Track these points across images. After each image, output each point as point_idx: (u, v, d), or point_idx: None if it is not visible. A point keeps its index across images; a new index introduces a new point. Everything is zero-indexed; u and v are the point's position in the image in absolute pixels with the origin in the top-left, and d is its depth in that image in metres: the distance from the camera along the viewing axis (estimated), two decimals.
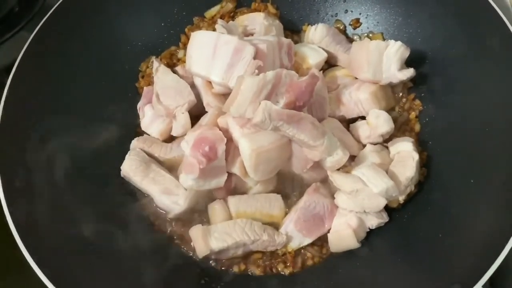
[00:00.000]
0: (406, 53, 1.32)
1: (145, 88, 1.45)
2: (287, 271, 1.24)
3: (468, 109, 1.27)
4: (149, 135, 1.39)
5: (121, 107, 1.43)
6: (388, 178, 1.18)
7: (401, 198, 1.23)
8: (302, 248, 1.26)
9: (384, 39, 1.49)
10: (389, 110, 1.38)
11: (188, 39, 1.35)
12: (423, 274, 1.10)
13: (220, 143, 1.18)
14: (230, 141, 1.22)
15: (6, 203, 1.11)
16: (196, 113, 1.34)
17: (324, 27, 1.46)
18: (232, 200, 1.26)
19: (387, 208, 1.23)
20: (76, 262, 1.11)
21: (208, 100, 1.33)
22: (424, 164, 1.30)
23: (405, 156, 1.25)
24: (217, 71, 1.26)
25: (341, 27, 1.56)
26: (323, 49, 1.44)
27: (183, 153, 1.27)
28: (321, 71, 1.39)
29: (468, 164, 1.21)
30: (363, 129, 1.32)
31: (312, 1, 1.58)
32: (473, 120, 1.25)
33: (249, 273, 1.25)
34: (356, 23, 1.55)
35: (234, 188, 1.29)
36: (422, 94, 1.41)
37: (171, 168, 1.34)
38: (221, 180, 1.22)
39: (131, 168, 1.28)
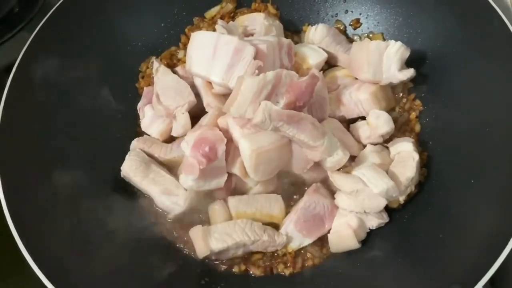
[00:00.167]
0: (406, 53, 1.32)
1: (145, 88, 1.45)
2: (287, 272, 1.24)
3: (468, 109, 1.27)
4: (149, 135, 1.39)
5: (121, 107, 1.43)
6: (389, 179, 1.17)
7: (402, 199, 1.23)
8: (302, 248, 1.26)
9: (384, 40, 1.49)
10: (390, 111, 1.38)
11: (188, 39, 1.35)
12: (423, 274, 1.10)
13: (220, 144, 1.18)
14: (230, 141, 1.22)
15: (6, 203, 1.11)
16: (196, 114, 1.34)
17: (324, 28, 1.46)
18: (232, 201, 1.26)
19: (387, 209, 1.23)
20: (76, 262, 1.11)
21: (208, 101, 1.33)
22: (425, 165, 1.30)
23: (406, 156, 1.25)
24: (217, 71, 1.26)
25: (341, 28, 1.56)
26: (323, 49, 1.44)
27: (183, 154, 1.27)
28: (321, 72, 1.39)
29: (469, 164, 1.20)
30: (363, 130, 1.32)
31: (312, 1, 1.58)
32: (473, 120, 1.25)
33: (249, 273, 1.24)
34: (356, 23, 1.55)
35: (234, 188, 1.29)
36: (423, 94, 1.41)
37: (171, 168, 1.34)
38: (221, 181, 1.22)
39: (131, 168, 1.28)
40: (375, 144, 1.32)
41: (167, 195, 1.26)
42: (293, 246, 1.25)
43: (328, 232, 1.24)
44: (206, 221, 1.28)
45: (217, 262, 1.25)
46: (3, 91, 1.25)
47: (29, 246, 1.06)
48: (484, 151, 1.19)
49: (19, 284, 1.29)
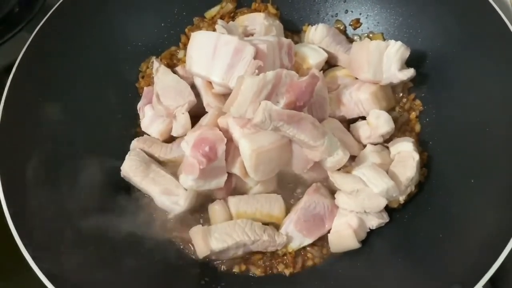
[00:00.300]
0: (407, 53, 1.32)
1: (145, 88, 1.45)
2: (287, 272, 1.24)
3: (468, 109, 1.27)
4: (149, 135, 1.39)
5: (121, 107, 1.43)
6: (389, 178, 1.17)
7: (402, 198, 1.23)
8: (302, 248, 1.26)
9: (384, 39, 1.49)
10: (390, 110, 1.38)
11: (188, 39, 1.35)
12: (423, 274, 1.10)
13: (220, 144, 1.18)
14: (230, 141, 1.22)
15: (6, 203, 1.11)
16: (196, 114, 1.34)
17: (324, 27, 1.46)
18: (233, 201, 1.26)
19: (387, 208, 1.23)
20: (76, 262, 1.11)
21: (208, 101, 1.33)
22: (425, 164, 1.30)
23: (406, 156, 1.25)
24: (217, 71, 1.26)
25: (341, 27, 1.56)
26: (323, 49, 1.44)
27: (183, 154, 1.27)
28: (321, 71, 1.39)
29: (469, 164, 1.20)
30: (363, 129, 1.32)
31: (312, 1, 1.58)
32: (473, 120, 1.25)
33: (250, 273, 1.24)
34: (356, 23, 1.55)
35: (234, 188, 1.29)
36: (423, 94, 1.41)
37: (171, 168, 1.34)
38: (221, 181, 1.22)
39: (131, 168, 1.28)
40: (375, 144, 1.32)
41: (167, 195, 1.26)
42: (293, 246, 1.25)
43: (328, 232, 1.24)
44: (206, 221, 1.28)
45: (217, 262, 1.25)
46: (3, 91, 1.25)
47: (29, 246, 1.06)
48: (484, 151, 1.19)
49: (19, 284, 1.29)
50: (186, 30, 1.56)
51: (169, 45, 1.55)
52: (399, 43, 1.31)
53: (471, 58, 1.29)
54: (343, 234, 1.21)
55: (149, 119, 1.38)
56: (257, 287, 1.22)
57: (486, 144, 1.19)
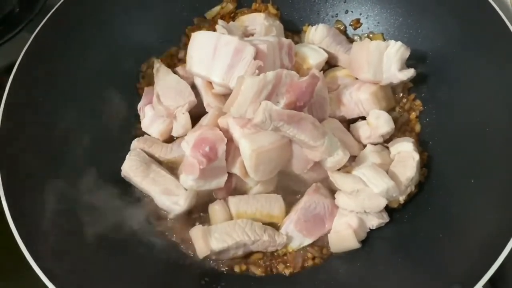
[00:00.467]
0: (407, 53, 1.32)
1: (145, 88, 1.45)
2: (287, 272, 1.24)
3: (469, 109, 1.27)
4: (149, 135, 1.39)
5: (122, 107, 1.43)
6: (389, 178, 1.18)
7: (402, 198, 1.23)
8: (302, 248, 1.26)
9: (384, 40, 1.49)
10: (390, 111, 1.38)
11: (189, 39, 1.35)
12: (423, 274, 1.10)
13: (221, 144, 1.19)
14: (230, 141, 1.22)
15: (6, 203, 1.11)
16: (197, 114, 1.34)
17: (325, 28, 1.46)
18: (233, 201, 1.26)
19: (387, 209, 1.23)
20: (76, 262, 1.11)
21: (209, 101, 1.33)
22: (425, 165, 1.30)
23: (406, 156, 1.25)
24: (217, 71, 1.26)
25: (342, 28, 1.56)
26: (324, 49, 1.44)
27: (183, 154, 1.27)
28: (322, 72, 1.39)
29: (469, 164, 1.21)
30: (363, 130, 1.32)
31: (313, 1, 1.58)
32: (473, 120, 1.25)
33: (250, 273, 1.24)
34: (357, 23, 1.55)
35: (235, 188, 1.29)
36: (423, 95, 1.41)
37: (172, 168, 1.34)
38: (221, 181, 1.22)
39: (132, 168, 1.28)
40: (375, 144, 1.32)
41: (167, 195, 1.26)
42: (293, 246, 1.25)
43: (328, 232, 1.24)
44: (206, 221, 1.28)
45: (217, 262, 1.25)
46: (4, 91, 1.25)
47: (29, 246, 1.06)
48: (484, 151, 1.19)
49: (19, 284, 1.29)
50: (187, 30, 1.56)
51: (170, 45, 1.55)
52: (399, 43, 1.31)
53: (471, 58, 1.29)
54: (343, 234, 1.21)
55: (150, 119, 1.38)
56: (257, 287, 1.22)
57: (486, 144, 1.19)
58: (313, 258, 1.25)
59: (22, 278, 1.19)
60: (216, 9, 1.57)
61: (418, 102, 1.41)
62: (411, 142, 1.27)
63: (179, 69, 1.44)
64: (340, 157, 1.19)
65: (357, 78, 1.38)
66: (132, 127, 1.44)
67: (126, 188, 1.32)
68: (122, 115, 1.43)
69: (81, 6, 1.43)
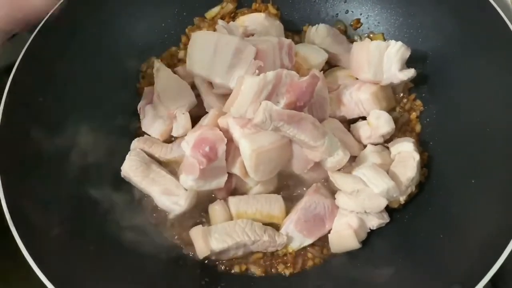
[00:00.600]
0: (407, 54, 1.32)
1: (145, 88, 1.45)
2: (287, 272, 1.24)
3: (469, 109, 1.27)
4: (149, 135, 1.39)
5: (121, 107, 1.43)
6: (389, 179, 1.17)
7: (402, 199, 1.23)
8: (302, 248, 1.26)
9: (384, 40, 1.49)
10: (390, 111, 1.38)
11: (189, 39, 1.35)
12: (423, 274, 1.10)
13: (221, 144, 1.18)
14: (230, 141, 1.22)
15: (6, 203, 1.10)
16: (197, 114, 1.34)
17: (325, 28, 1.46)
18: (233, 201, 1.26)
19: (387, 209, 1.23)
20: (77, 262, 1.11)
21: (209, 101, 1.33)
22: (425, 165, 1.30)
23: (406, 156, 1.25)
24: (217, 71, 1.26)
25: (342, 28, 1.56)
26: (324, 49, 1.44)
27: (183, 154, 1.27)
28: (322, 72, 1.39)
29: (469, 164, 1.20)
30: (363, 130, 1.32)
31: (313, 1, 1.58)
32: (473, 120, 1.25)
33: (250, 273, 1.24)
34: (357, 23, 1.55)
35: (235, 188, 1.29)
36: (423, 95, 1.41)
37: (172, 168, 1.34)
38: (221, 181, 1.22)
39: (131, 168, 1.28)
40: (375, 144, 1.32)
41: (167, 195, 1.26)
42: (294, 246, 1.25)
43: (329, 232, 1.24)
44: (206, 221, 1.28)
45: (217, 262, 1.25)
46: (3, 91, 1.25)
47: (29, 246, 1.06)
48: (484, 151, 1.19)
49: (19, 284, 1.29)
50: (187, 30, 1.56)
51: (170, 45, 1.55)
52: (399, 43, 1.31)
53: (471, 58, 1.29)
54: (344, 234, 1.21)
55: (150, 119, 1.38)
56: (257, 287, 1.22)
57: (486, 144, 1.19)
58: (313, 259, 1.25)
59: (22, 278, 1.19)
60: (216, 9, 1.57)
61: (418, 102, 1.41)
62: (412, 142, 1.27)
63: (179, 69, 1.44)
64: (340, 157, 1.19)
65: (357, 78, 1.38)
66: (132, 127, 1.44)
67: (126, 188, 1.32)
68: (122, 115, 1.43)
69: (81, 6, 1.43)
